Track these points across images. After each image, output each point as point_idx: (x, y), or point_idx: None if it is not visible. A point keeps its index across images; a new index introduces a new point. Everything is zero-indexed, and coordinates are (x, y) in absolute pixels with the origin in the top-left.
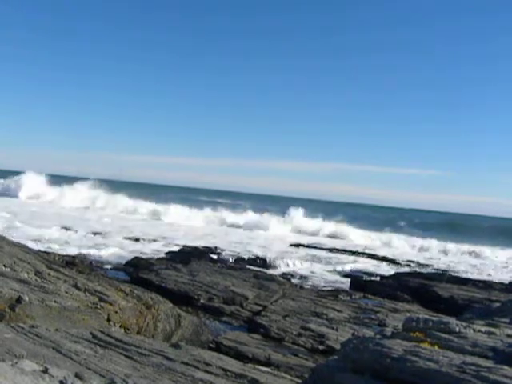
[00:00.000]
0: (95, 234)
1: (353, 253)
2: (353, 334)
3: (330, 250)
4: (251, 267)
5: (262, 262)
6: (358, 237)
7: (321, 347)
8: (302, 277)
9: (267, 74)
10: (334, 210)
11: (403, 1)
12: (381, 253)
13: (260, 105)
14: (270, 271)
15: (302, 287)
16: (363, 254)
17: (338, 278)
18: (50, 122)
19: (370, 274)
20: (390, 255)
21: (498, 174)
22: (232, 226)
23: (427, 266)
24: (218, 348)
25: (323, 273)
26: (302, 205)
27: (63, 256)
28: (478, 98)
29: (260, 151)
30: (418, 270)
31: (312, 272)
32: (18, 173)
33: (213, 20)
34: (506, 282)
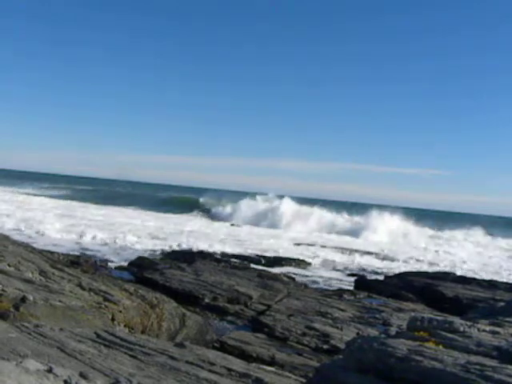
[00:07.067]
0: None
1: (356, 251)
2: (357, 334)
3: (334, 248)
4: (255, 266)
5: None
6: None
7: (325, 347)
8: (306, 276)
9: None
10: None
11: None
12: None
13: (260, 104)
14: (275, 270)
15: (306, 286)
16: (366, 252)
17: (342, 277)
18: (51, 122)
19: (375, 273)
20: None
21: (499, 173)
22: None
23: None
24: (223, 347)
25: (328, 271)
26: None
27: (67, 256)
28: (481, 91)
29: (260, 150)
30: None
31: (316, 270)
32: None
33: (211, 28)
34: (511, 281)
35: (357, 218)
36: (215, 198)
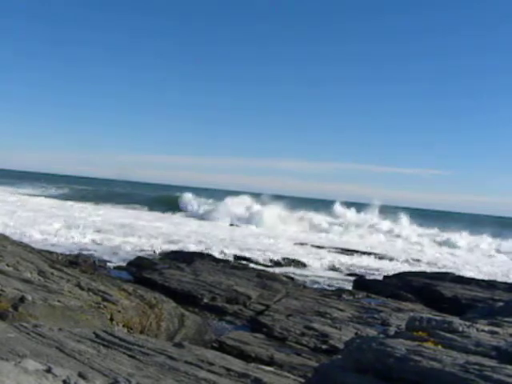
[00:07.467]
0: None
1: (354, 251)
2: (356, 334)
3: (333, 248)
4: (254, 266)
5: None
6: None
7: (324, 347)
8: (305, 276)
9: (270, 66)
10: None
11: None
12: None
13: (260, 104)
14: (274, 270)
15: (305, 286)
16: (365, 253)
17: (341, 276)
18: (51, 122)
19: (374, 273)
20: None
21: (499, 173)
22: None
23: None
24: (221, 347)
25: (326, 272)
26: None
27: (66, 256)
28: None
29: (260, 150)
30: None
31: (315, 270)
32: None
33: (211, 28)
34: (510, 281)
35: (342, 219)
36: (200, 196)
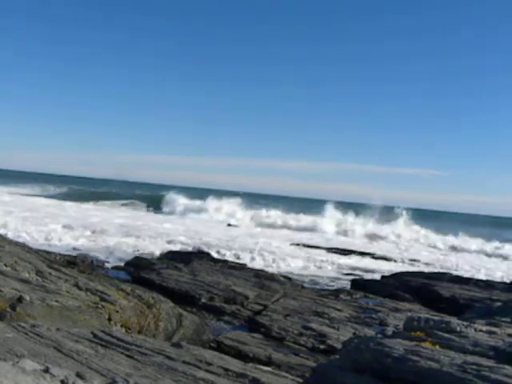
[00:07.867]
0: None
1: (352, 252)
2: (354, 334)
3: (330, 249)
4: (252, 266)
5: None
6: None
7: (322, 347)
8: (303, 276)
9: (270, 66)
10: None
11: None
12: None
13: (260, 104)
14: (271, 270)
15: (303, 287)
16: (363, 253)
17: (339, 276)
18: (51, 122)
19: (372, 273)
20: None
21: (499, 173)
22: None
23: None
24: (219, 347)
25: (324, 272)
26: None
27: (64, 256)
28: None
29: (260, 150)
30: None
31: (312, 271)
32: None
33: (211, 28)
34: (508, 281)
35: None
36: (187, 196)
